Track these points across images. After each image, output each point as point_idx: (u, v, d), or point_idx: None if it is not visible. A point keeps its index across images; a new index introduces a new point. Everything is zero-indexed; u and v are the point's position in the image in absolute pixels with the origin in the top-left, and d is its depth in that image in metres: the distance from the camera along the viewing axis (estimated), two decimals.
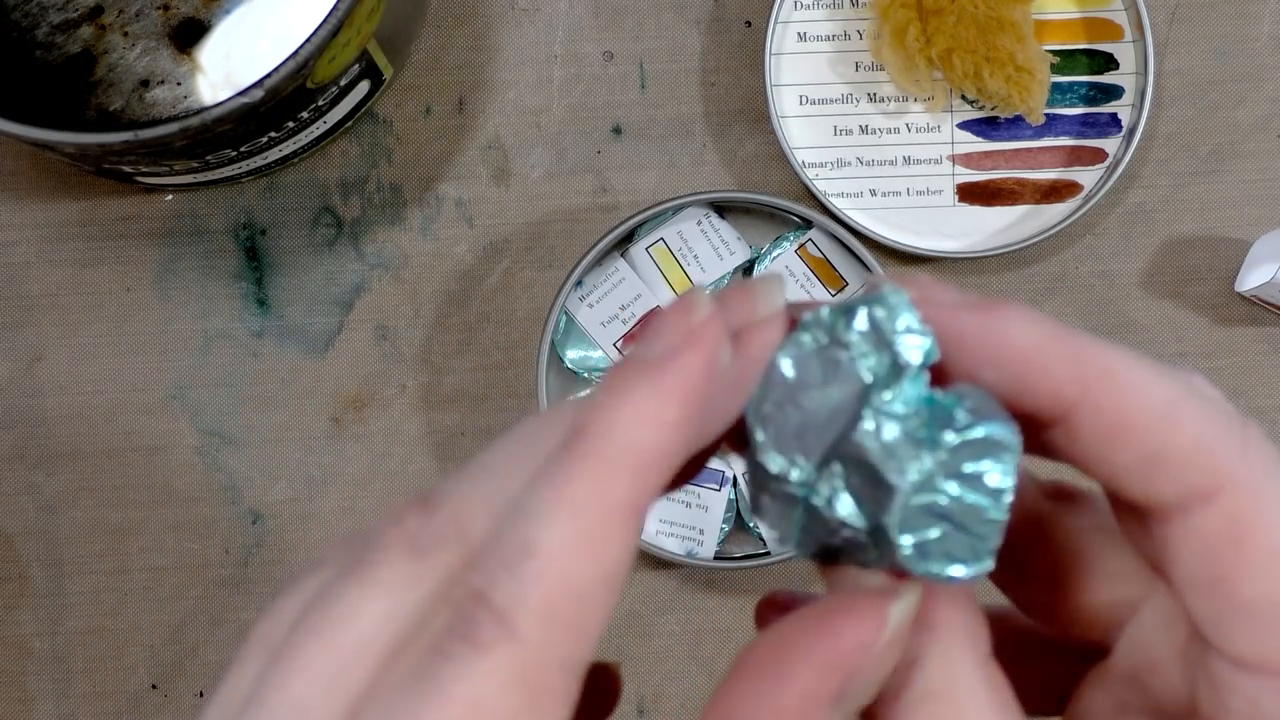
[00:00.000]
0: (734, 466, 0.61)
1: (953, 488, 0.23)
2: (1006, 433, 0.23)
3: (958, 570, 0.23)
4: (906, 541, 0.23)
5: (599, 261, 0.61)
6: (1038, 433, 0.25)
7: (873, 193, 0.62)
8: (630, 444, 0.22)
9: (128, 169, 0.57)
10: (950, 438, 0.23)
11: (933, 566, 0.23)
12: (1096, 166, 0.62)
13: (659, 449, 0.22)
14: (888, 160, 0.62)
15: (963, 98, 0.62)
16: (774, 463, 0.24)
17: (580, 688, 0.21)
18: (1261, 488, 0.23)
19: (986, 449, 0.23)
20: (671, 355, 0.22)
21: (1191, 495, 0.23)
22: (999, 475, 0.23)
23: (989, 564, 0.23)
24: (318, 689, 0.21)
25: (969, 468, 0.23)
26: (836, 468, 0.23)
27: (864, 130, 0.62)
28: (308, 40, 0.51)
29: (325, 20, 0.51)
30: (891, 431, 0.23)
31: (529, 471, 0.22)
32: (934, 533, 0.23)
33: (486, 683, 0.21)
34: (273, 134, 0.56)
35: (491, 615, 0.21)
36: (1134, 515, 0.25)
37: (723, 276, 0.61)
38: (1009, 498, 0.23)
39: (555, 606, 0.21)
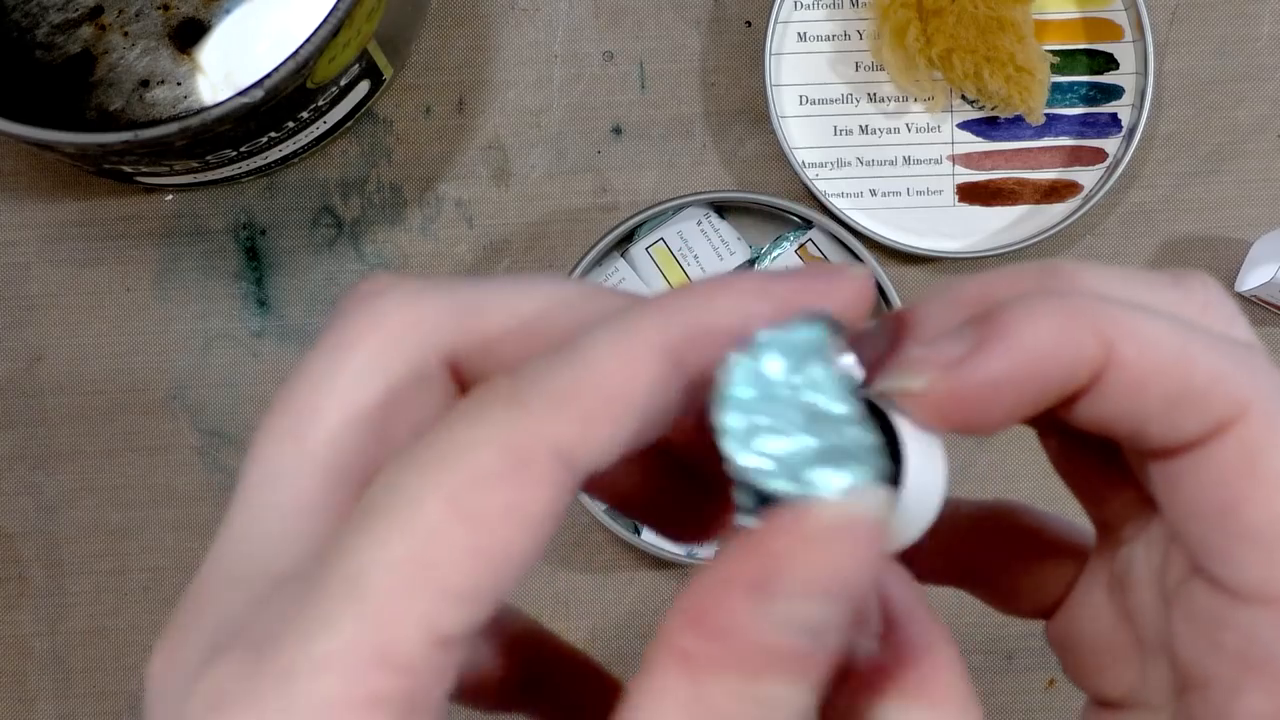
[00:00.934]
0: None
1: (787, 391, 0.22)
2: (812, 332, 0.22)
3: (831, 479, 0.21)
4: (747, 459, 0.22)
5: (599, 261, 0.61)
6: (1063, 409, 0.24)
7: (873, 193, 0.62)
8: (703, 306, 0.22)
9: (128, 169, 0.57)
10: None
11: (800, 479, 0.22)
12: (1096, 166, 0.62)
13: (722, 319, 0.22)
14: (888, 160, 0.62)
15: (963, 98, 0.62)
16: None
17: (576, 488, 0.22)
18: (1272, 410, 0.24)
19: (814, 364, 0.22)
20: (797, 274, 0.23)
21: (1214, 426, 0.23)
22: (823, 369, 0.22)
23: (867, 475, 0.22)
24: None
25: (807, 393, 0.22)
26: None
27: (864, 130, 0.62)
28: (308, 40, 0.51)
29: (325, 20, 0.51)
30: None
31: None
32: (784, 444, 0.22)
33: (479, 435, 0.21)
34: (273, 134, 0.56)
35: (510, 386, 0.22)
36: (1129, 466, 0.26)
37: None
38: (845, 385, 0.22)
39: (572, 392, 0.21)
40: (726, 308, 0.22)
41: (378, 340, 0.24)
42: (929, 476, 0.23)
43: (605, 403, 0.22)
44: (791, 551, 0.21)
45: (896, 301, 0.60)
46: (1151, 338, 0.23)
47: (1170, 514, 0.24)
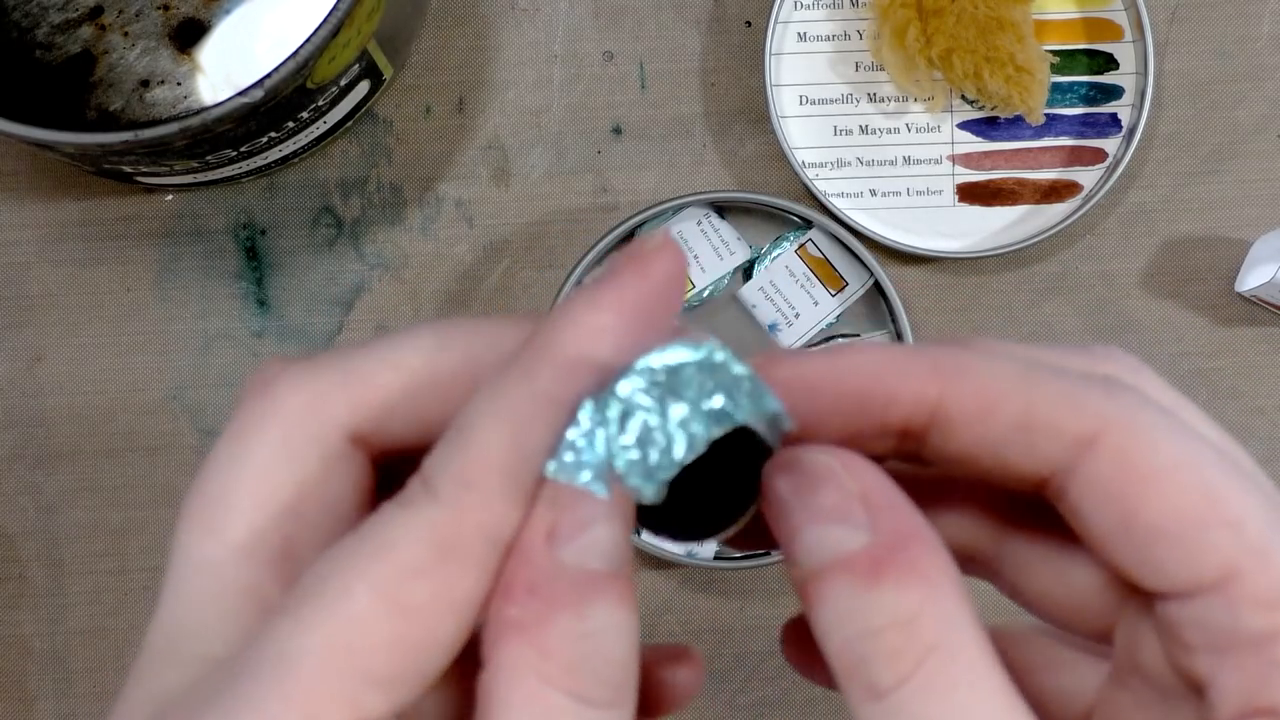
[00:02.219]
0: None
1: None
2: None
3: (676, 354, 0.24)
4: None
5: (599, 261, 0.61)
6: (920, 446, 0.26)
7: (873, 193, 0.62)
8: (558, 345, 0.23)
9: (128, 169, 0.57)
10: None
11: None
12: (1096, 166, 0.62)
13: (585, 349, 0.23)
14: (888, 160, 0.62)
15: (963, 98, 0.62)
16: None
17: (502, 561, 0.23)
18: (1136, 418, 0.24)
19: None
20: (611, 276, 0.24)
21: (1074, 446, 0.24)
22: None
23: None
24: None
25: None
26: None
27: (864, 130, 0.62)
28: (308, 40, 0.51)
29: (325, 20, 0.51)
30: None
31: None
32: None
33: (404, 535, 0.22)
34: (273, 134, 0.56)
35: (422, 482, 0.23)
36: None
37: (723, 277, 0.61)
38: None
39: (472, 473, 0.23)
40: (573, 340, 0.24)
41: (277, 426, 0.25)
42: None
43: (505, 476, 0.23)
44: (567, 499, 0.24)
45: (896, 301, 0.60)
46: (988, 372, 0.25)
47: (1094, 549, 0.25)
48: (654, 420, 0.24)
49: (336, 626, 0.22)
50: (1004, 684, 0.23)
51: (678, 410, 0.24)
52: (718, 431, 0.25)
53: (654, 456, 0.24)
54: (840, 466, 0.25)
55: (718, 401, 0.25)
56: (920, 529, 0.24)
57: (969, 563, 0.28)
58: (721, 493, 0.26)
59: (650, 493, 0.24)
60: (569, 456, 0.24)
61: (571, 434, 0.24)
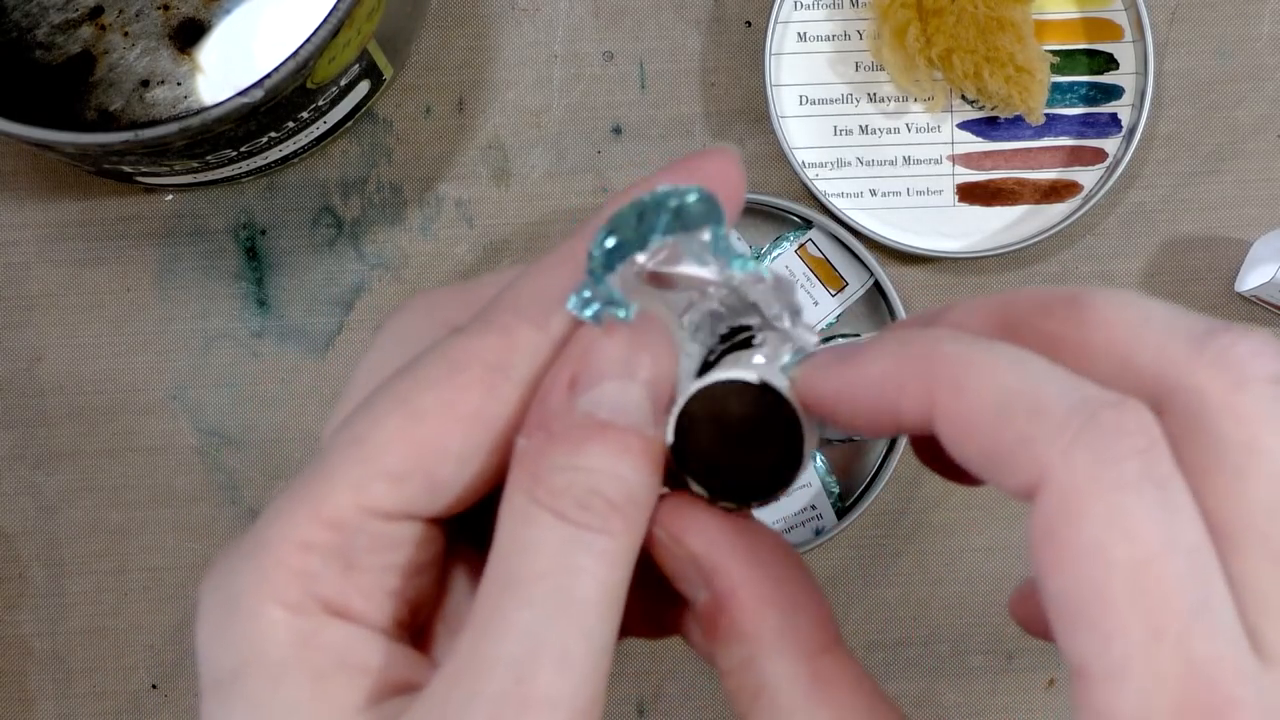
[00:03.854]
0: None
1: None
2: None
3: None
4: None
5: None
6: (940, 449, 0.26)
7: (873, 193, 0.62)
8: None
9: (128, 169, 0.57)
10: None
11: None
12: (1096, 166, 0.62)
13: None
14: (888, 160, 0.62)
15: (963, 98, 0.62)
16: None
17: (521, 392, 0.26)
18: (1076, 484, 0.23)
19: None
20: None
21: (1022, 492, 0.24)
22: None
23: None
24: None
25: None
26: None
27: (864, 130, 0.62)
28: (308, 40, 0.51)
29: (325, 20, 0.51)
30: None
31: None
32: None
33: (429, 356, 0.27)
34: (273, 134, 0.56)
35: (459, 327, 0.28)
36: None
37: None
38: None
39: (492, 312, 0.27)
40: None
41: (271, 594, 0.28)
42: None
43: (517, 313, 0.27)
44: (590, 352, 0.26)
45: (896, 301, 0.60)
46: (974, 390, 0.24)
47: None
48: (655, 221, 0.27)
49: (358, 424, 0.26)
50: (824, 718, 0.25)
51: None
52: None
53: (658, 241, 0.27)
54: (669, 539, 0.27)
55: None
56: (739, 588, 0.26)
57: None
58: (765, 451, 0.27)
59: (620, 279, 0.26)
60: (587, 292, 0.26)
61: (591, 267, 0.26)
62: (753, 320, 0.28)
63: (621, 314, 0.26)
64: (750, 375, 0.27)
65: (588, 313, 0.26)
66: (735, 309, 0.27)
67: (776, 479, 0.27)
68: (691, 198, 0.26)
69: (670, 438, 0.27)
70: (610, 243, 0.26)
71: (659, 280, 0.27)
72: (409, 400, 0.26)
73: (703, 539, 0.27)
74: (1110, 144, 0.62)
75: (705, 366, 0.28)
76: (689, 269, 0.27)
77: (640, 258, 0.26)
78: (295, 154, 0.60)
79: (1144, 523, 0.22)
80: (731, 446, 0.27)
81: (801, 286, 0.61)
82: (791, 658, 0.26)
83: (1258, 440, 0.23)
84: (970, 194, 0.62)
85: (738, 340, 0.28)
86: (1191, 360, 0.24)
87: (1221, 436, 0.23)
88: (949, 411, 0.24)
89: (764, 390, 0.27)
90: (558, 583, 0.25)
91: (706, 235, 0.27)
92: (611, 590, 0.25)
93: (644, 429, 0.26)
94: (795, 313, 0.27)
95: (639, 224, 0.26)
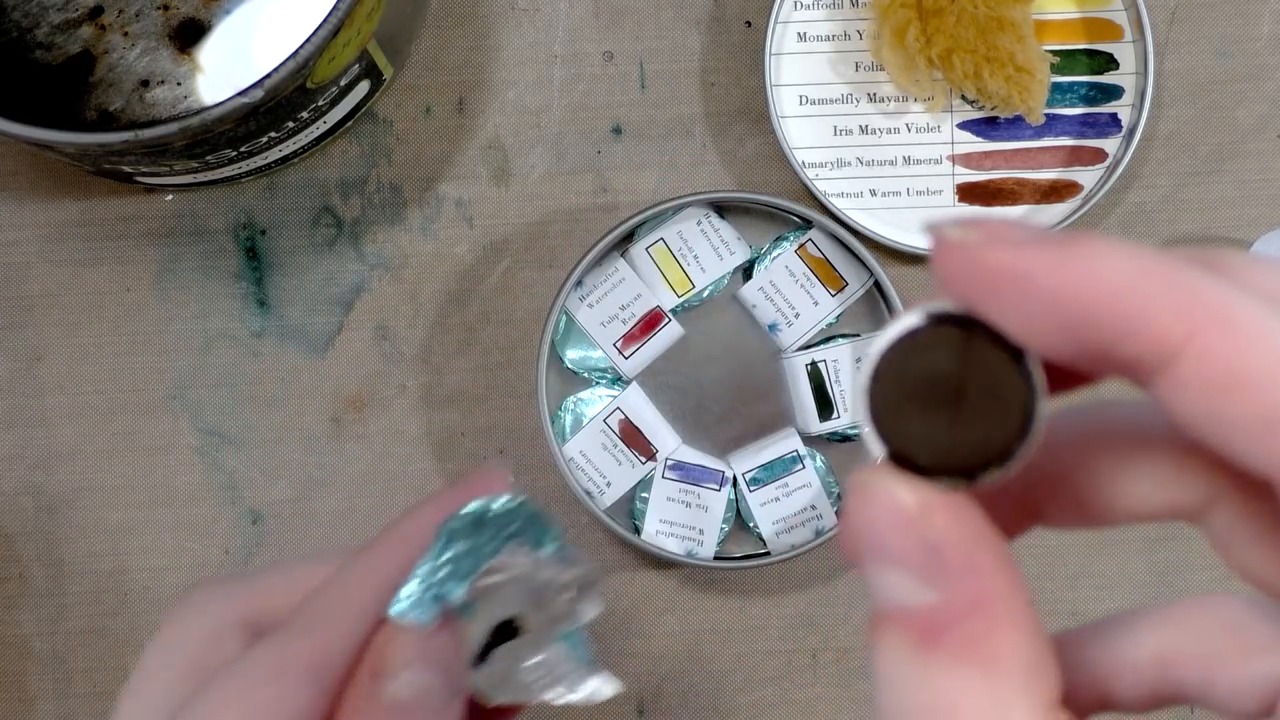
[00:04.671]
0: (734, 467, 0.61)
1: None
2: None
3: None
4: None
5: (599, 261, 0.61)
6: (1139, 379, 0.21)
7: (873, 193, 0.62)
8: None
9: (128, 169, 0.57)
10: None
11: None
12: (1096, 166, 0.62)
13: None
14: (888, 160, 0.62)
15: (963, 98, 0.62)
16: None
17: (334, 683, 0.29)
18: None
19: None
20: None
21: None
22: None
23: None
24: None
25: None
26: None
27: (864, 130, 0.62)
28: (308, 40, 0.51)
29: (325, 20, 0.51)
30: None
31: None
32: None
33: (256, 657, 0.30)
34: (273, 134, 0.56)
35: (280, 624, 0.31)
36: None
37: (723, 277, 0.61)
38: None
39: (309, 616, 0.30)
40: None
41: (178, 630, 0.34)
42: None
43: (329, 620, 0.30)
44: (387, 641, 0.29)
45: (896, 301, 0.60)
46: (1257, 337, 0.20)
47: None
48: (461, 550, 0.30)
49: None
50: None
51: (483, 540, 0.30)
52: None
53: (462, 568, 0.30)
54: (918, 508, 0.21)
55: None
56: (996, 600, 0.21)
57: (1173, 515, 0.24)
58: (990, 399, 0.22)
59: (458, 594, 0.30)
60: (400, 600, 0.29)
61: (407, 583, 0.30)
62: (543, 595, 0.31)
63: (426, 619, 0.29)
64: (922, 314, 0.22)
65: (405, 615, 0.29)
66: (532, 586, 0.31)
67: (1015, 432, 0.21)
68: (514, 505, 0.30)
69: (867, 416, 0.22)
70: (447, 559, 0.30)
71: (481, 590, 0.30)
72: (236, 702, 0.29)
73: (958, 521, 0.21)
74: (1110, 144, 0.62)
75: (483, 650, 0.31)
76: (507, 572, 0.30)
77: (473, 581, 0.30)
78: (295, 154, 0.60)
79: None
80: (943, 405, 0.22)
81: (801, 286, 0.61)
82: (1034, 707, 0.20)
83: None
84: (970, 194, 0.62)
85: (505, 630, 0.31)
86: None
87: None
88: (1215, 354, 0.20)
89: (957, 323, 0.22)
90: None
91: (528, 542, 0.30)
92: None
93: (442, 699, 0.29)
94: (586, 587, 0.31)
95: (473, 538, 0.30)
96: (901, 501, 0.21)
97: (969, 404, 0.21)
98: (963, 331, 0.21)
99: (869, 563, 0.21)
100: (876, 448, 0.22)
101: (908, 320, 0.22)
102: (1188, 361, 0.20)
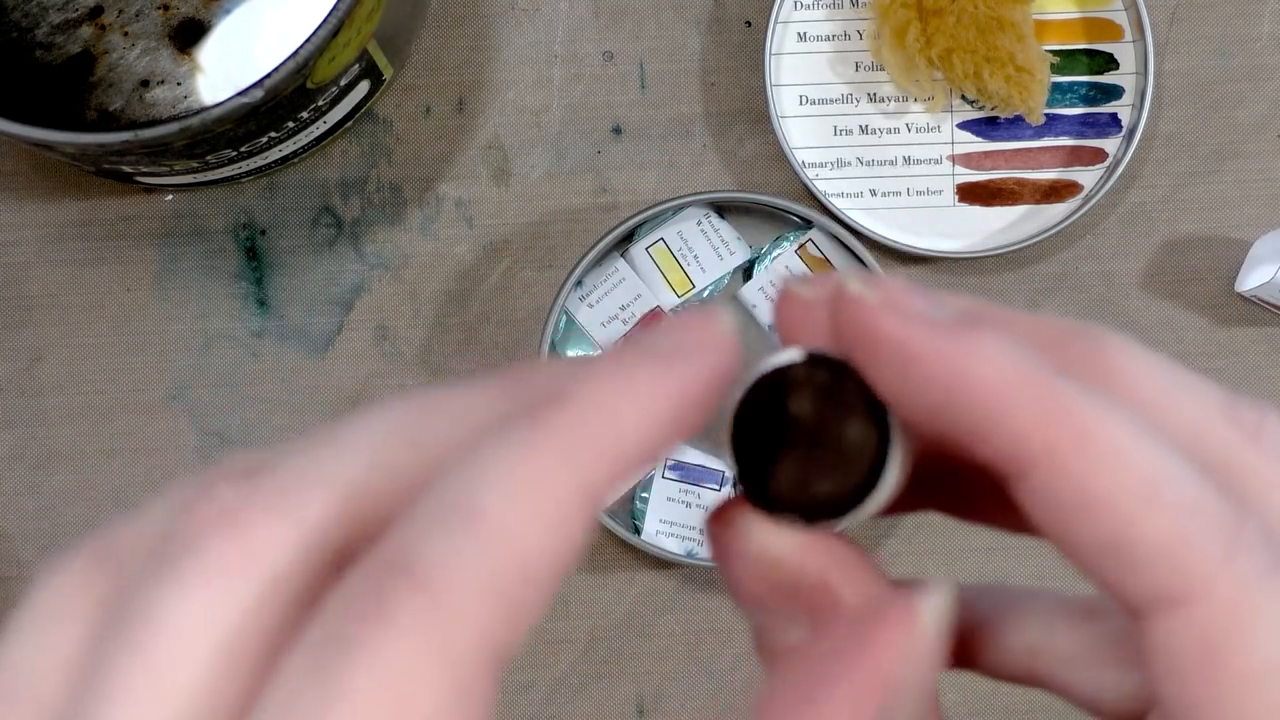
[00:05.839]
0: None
1: None
2: None
3: None
4: None
5: (599, 261, 0.61)
6: (997, 485, 0.21)
7: (873, 193, 0.62)
8: (618, 429, 0.19)
9: (128, 169, 0.57)
10: None
11: None
12: (1096, 166, 0.62)
13: (643, 445, 0.19)
14: (888, 160, 0.62)
15: (963, 98, 0.62)
16: None
17: (497, 690, 0.18)
18: (1243, 600, 0.19)
19: None
20: (688, 352, 0.20)
21: (1158, 599, 0.20)
22: None
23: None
24: None
25: None
26: None
27: (864, 130, 0.62)
28: (308, 40, 0.51)
29: (325, 20, 0.51)
30: None
31: (450, 434, 0.19)
32: None
33: (406, 667, 0.17)
34: (273, 134, 0.56)
35: (412, 583, 0.17)
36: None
37: (723, 276, 0.61)
38: None
39: (499, 577, 0.17)
40: (632, 424, 0.19)
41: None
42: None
43: (531, 583, 0.18)
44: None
45: None
46: (1113, 457, 0.20)
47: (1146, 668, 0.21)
48: None
49: None
50: None
51: None
52: None
53: None
54: (783, 552, 0.22)
55: None
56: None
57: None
58: (843, 444, 0.22)
59: None
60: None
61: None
62: None
63: None
64: (797, 355, 0.22)
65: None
66: None
67: (856, 484, 0.22)
68: None
69: (729, 447, 0.22)
70: None
71: None
72: None
73: (825, 556, 0.21)
74: (1110, 144, 0.62)
75: None
76: None
77: None
78: (295, 154, 0.60)
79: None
80: (800, 445, 0.22)
81: None
82: None
83: None
84: (970, 194, 0.62)
85: None
86: (1230, 434, 0.21)
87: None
88: (1069, 471, 0.20)
89: (830, 368, 0.22)
90: None
91: None
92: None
93: None
94: None
95: None
96: (770, 542, 0.22)
97: (823, 448, 0.22)
98: (834, 376, 0.22)
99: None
100: (732, 477, 0.22)
101: (785, 355, 0.22)
102: (1041, 475, 0.20)
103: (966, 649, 0.24)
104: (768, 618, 0.22)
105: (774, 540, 0.22)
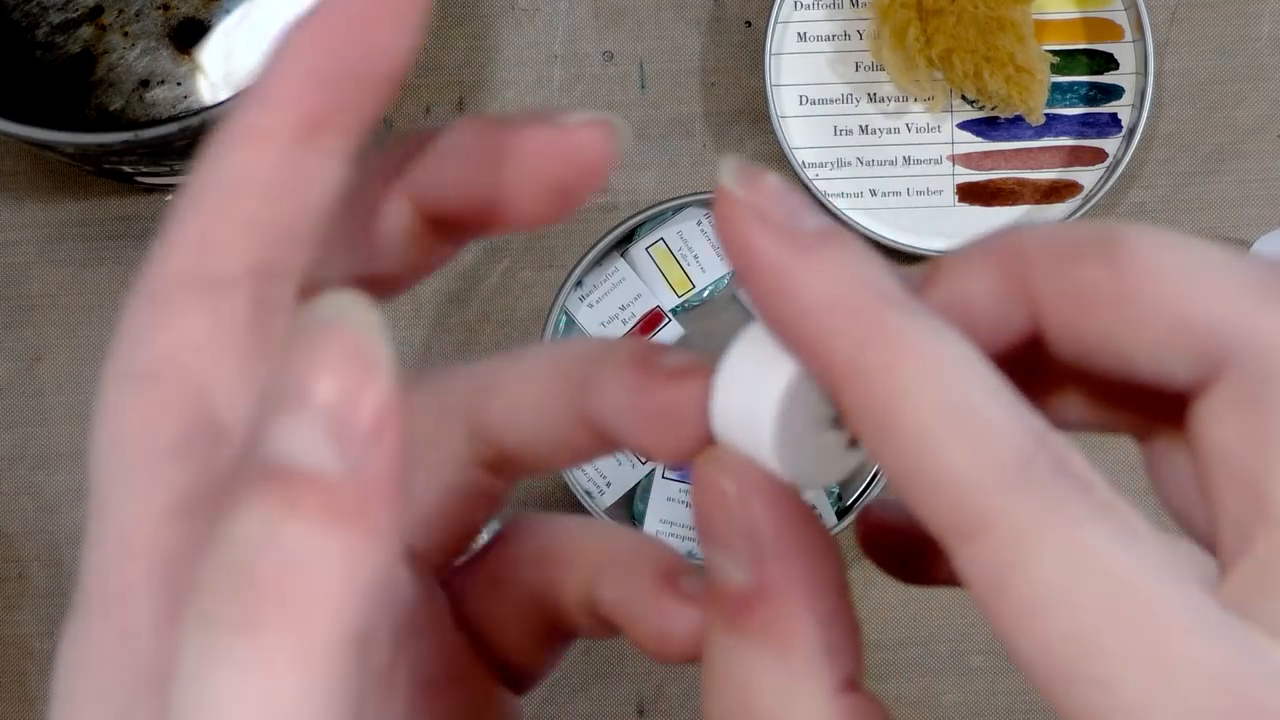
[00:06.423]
0: None
1: None
2: None
3: None
4: None
5: (599, 261, 0.61)
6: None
7: (873, 193, 0.62)
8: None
9: (128, 169, 0.57)
10: None
11: None
12: (1096, 166, 0.62)
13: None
14: (888, 160, 0.62)
15: (963, 98, 0.62)
16: None
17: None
18: (1024, 534, 0.20)
19: None
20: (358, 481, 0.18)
21: (952, 531, 0.20)
22: None
23: None
24: None
25: None
26: None
27: (864, 130, 0.62)
28: None
29: None
30: None
31: None
32: None
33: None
34: None
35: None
36: None
37: (723, 276, 0.61)
38: None
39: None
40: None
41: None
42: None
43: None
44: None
45: None
46: (920, 387, 0.20)
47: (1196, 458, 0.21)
48: None
49: None
50: None
51: None
52: None
53: None
54: (735, 491, 0.22)
55: None
56: (795, 588, 0.22)
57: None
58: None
59: None
60: None
61: None
62: None
63: None
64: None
65: None
66: None
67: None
68: None
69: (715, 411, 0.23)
70: None
71: None
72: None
73: (774, 515, 0.22)
74: (1110, 144, 0.62)
75: None
76: None
77: None
78: None
79: (1110, 555, 0.19)
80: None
81: None
82: (822, 686, 0.21)
83: None
84: (970, 194, 0.62)
85: None
86: (1261, 312, 0.21)
87: None
88: (873, 397, 0.20)
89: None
90: None
91: None
92: None
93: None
94: None
95: None
96: (724, 487, 0.22)
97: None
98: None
99: (700, 540, 0.23)
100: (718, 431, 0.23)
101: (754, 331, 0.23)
102: (849, 399, 0.20)
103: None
104: (723, 559, 0.23)
105: (748, 489, 0.22)
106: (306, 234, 0.21)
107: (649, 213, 0.60)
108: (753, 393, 0.22)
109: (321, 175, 0.21)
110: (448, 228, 0.24)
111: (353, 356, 0.18)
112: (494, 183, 0.24)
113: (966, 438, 0.20)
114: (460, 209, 0.24)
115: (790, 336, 0.21)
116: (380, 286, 0.24)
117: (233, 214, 0.21)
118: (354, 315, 0.18)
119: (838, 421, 0.22)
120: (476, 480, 0.25)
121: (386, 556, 0.18)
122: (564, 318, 0.61)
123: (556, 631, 0.26)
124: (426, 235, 0.24)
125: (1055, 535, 0.19)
